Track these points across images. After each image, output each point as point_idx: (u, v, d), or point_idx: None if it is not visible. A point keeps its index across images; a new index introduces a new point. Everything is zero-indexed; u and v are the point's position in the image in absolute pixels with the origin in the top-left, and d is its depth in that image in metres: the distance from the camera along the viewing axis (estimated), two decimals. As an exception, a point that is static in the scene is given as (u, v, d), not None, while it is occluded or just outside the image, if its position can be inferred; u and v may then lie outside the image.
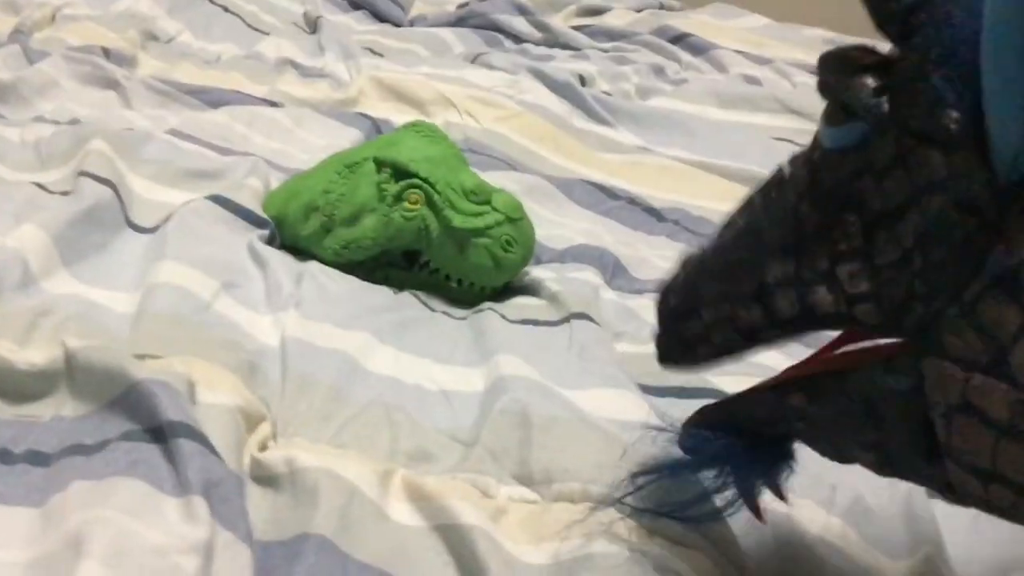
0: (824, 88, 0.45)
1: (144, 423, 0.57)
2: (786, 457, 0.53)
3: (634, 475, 0.55)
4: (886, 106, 0.42)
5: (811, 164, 0.46)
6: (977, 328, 0.41)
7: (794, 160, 0.48)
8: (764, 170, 1.21)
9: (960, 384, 0.41)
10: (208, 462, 0.53)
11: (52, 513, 0.53)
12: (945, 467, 0.43)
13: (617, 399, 0.66)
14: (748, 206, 0.49)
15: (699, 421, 0.54)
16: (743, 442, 0.52)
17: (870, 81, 0.43)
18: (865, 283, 0.44)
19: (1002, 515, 0.44)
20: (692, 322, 0.50)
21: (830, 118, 0.45)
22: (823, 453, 0.50)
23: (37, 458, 0.58)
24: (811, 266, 0.46)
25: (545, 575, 0.52)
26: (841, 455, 0.49)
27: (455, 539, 0.54)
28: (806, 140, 1.37)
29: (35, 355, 0.63)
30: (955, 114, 0.40)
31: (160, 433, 0.56)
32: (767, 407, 0.50)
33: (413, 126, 0.85)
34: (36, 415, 0.61)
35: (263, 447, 0.60)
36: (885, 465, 0.47)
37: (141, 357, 0.63)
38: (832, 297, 0.45)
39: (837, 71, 0.44)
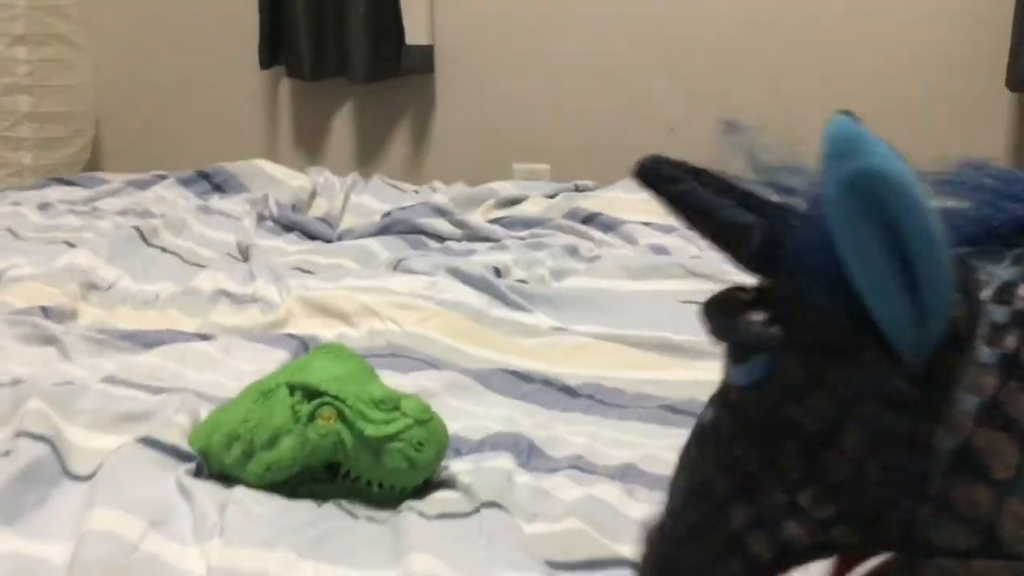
0: (716, 335, 0.47)
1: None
2: None
3: None
4: (779, 333, 0.43)
5: (729, 406, 0.47)
6: (956, 518, 0.40)
7: (710, 405, 0.49)
8: (674, 335, 1.29)
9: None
10: None
11: None
12: None
13: (521, 583, 0.71)
14: (686, 464, 0.50)
15: None
16: None
17: (756, 316, 0.44)
18: (830, 506, 0.43)
19: None
20: None
21: (734, 358, 0.46)
22: None
23: None
24: (770, 503, 0.45)
25: None
26: None
27: None
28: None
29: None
30: (845, 322, 0.42)
31: None
32: None
33: (321, 348, 0.92)
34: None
35: None
36: None
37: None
38: (803, 529, 0.44)
39: (721, 316, 0.46)
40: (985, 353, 0.41)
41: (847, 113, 0.40)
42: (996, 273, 0.43)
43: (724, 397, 0.47)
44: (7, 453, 0.90)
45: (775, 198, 0.45)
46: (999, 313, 0.42)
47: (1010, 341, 0.41)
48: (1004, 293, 0.42)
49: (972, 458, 0.40)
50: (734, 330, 0.45)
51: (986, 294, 0.42)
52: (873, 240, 0.39)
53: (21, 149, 2.64)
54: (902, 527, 0.41)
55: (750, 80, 2.27)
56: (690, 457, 0.49)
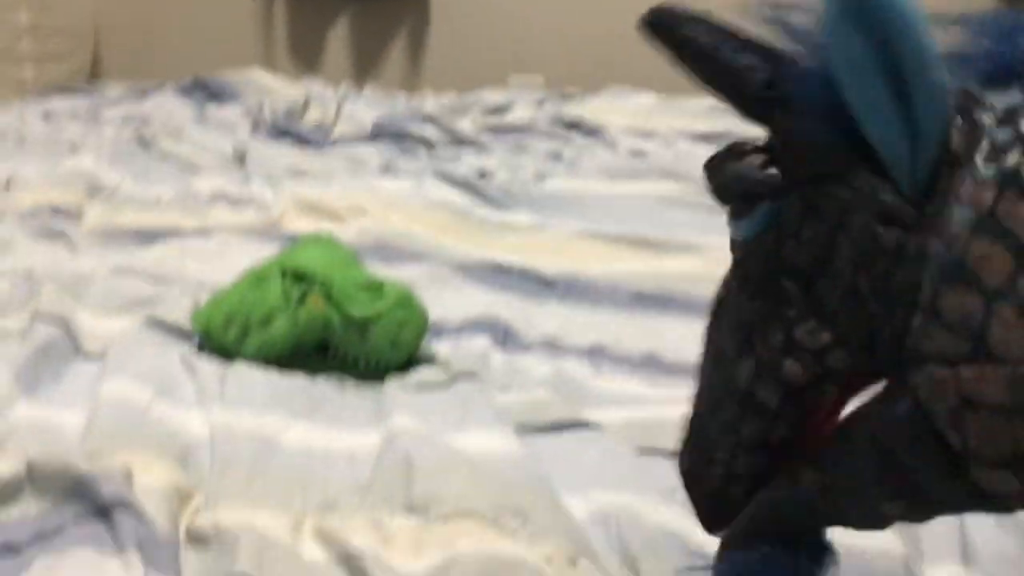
0: (719, 188, 0.48)
1: (90, 506, 0.69)
2: (825, 551, 0.52)
3: None
4: (776, 173, 0.45)
5: (735, 266, 0.49)
6: (947, 326, 0.40)
7: (721, 282, 0.50)
8: (648, 231, 1.36)
9: (952, 383, 0.41)
10: (140, 526, 0.66)
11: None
12: (973, 476, 0.42)
13: (488, 438, 0.79)
14: (706, 343, 0.51)
15: (730, 545, 0.53)
16: (779, 550, 0.51)
17: (755, 159, 0.46)
18: (825, 333, 0.44)
19: None
20: (711, 470, 0.51)
21: (736, 213, 0.48)
22: (857, 526, 0.50)
23: (10, 549, 0.70)
24: (768, 346, 0.46)
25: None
26: (873, 518, 0.48)
27: (352, 565, 0.66)
28: (686, 200, 1.52)
29: (2, 468, 0.76)
30: (841, 151, 0.42)
31: (103, 511, 0.68)
32: (784, 500, 0.50)
33: (311, 237, 1.00)
34: (8, 514, 0.74)
35: (194, 516, 0.73)
36: (916, 507, 0.46)
37: (90, 458, 0.76)
38: (800, 365, 0.46)
39: (722, 169, 0.47)
40: (984, 170, 0.41)
41: None
42: (1003, 100, 0.43)
43: (730, 269, 0.49)
44: (25, 334, 0.98)
45: (781, 42, 0.45)
46: (1002, 134, 0.42)
47: (1011, 159, 0.41)
48: (1008, 116, 0.42)
49: (964, 267, 0.40)
50: (734, 179, 0.46)
51: (990, 118, 0.42)
52: (867, 58, 0.41)
53: (23, 63, 2.68)
54: (893, 340, 0.42)
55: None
56: (707, 334, 0.51)
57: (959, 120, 0.42)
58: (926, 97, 0.41)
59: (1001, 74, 0.44)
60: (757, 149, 0.46)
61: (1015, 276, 0.39)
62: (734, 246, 0.49)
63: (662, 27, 0.47)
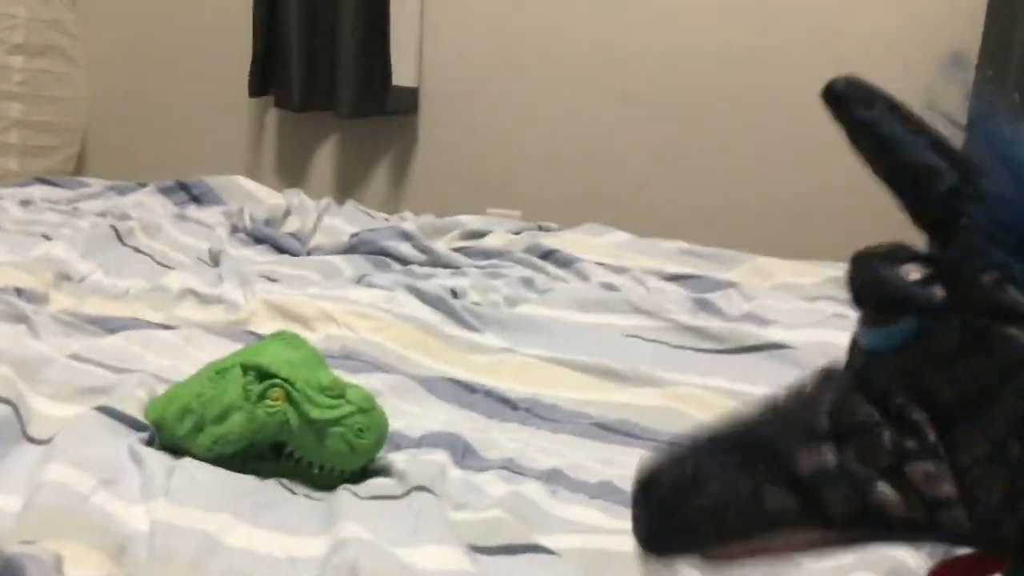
0: (861, 288, 0.43)
1: (14, 592, 0.66)
2: None
3: None
4: (940, 293, 0.40)
5: (854, 370, 0.43)
6: None
7: (823, 373, 0.44)
8: (612, 362, 1.36)
9: None
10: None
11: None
12: None
13: (439, 553, 0.77)
14: (796, 390, 0.44)
15: None
16: None
17: (915, 268, 0.41)
18: (948, 486, 0.39)
19: None
20: (697, 497, 0.43)
21: (874, 320, 0.42)
22: None
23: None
24: (864, 460, 0.40)
25: None
26: None
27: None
28: (653, 335, 1.53)
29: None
30: None
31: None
32: None
33: (276, 335, 0.99)
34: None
35: (124, 612, 0.70)
36: None
37: (21, 542, 0.73)
38: (900, 497, 0.39)
39: (874, 267, 0.42)
40: None
41: None
42: None
43: (849, 364, 0.43)
44: (-29, 412, 0.96)
45: (966, 150, 0.41)
46: None
47: None
48: None
49: None
50: (884, 283, 0.41)
51: None
52: None
53: (8, 154, 2.71)
54: None
55: (725, 143, 2.38)
56: (806, 383, 0.44)
57: None
58: None
59: None
60: (919, 257, 0.41)
61: None
62: (855, 350, 0.43)
63: (845, 101, 0.43)
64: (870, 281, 0.42)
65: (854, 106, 0.43)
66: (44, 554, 0.69)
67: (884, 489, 0.39)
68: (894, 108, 0.43)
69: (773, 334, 1.40)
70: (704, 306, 1.54)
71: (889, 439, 0.40)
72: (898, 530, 0.40)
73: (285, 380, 0.92)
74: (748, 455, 0.42)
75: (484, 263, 1.68)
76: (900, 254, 0.42)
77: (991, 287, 0.38)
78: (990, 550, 0.40)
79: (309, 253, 1.74)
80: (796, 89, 2.29)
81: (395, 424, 1.00)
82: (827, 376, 0.44)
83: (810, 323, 1.46)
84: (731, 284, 1.65)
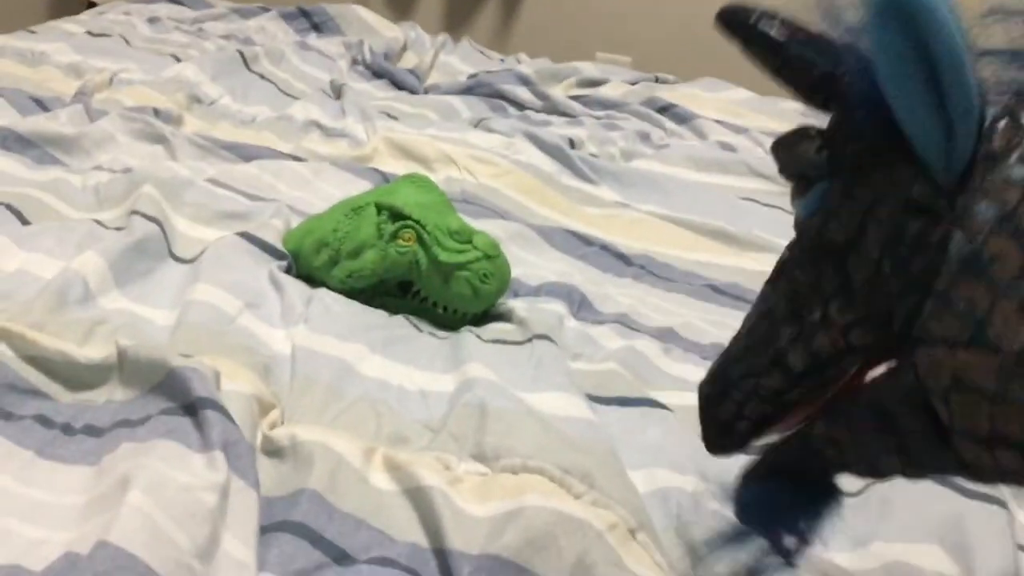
0: (782, 167, 0.54)
1: (179, 401, 0.72)
2: (831, 491, 0.60)
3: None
4: (825, 157, 0.50)
5: (795, 240, 0.54)
6: (954, 312, 0.44)
7: (787, 246, 0.55)
8: (727, 225, 1.37)
9: (949, 364, 0.45)
10: (227, 428, 0.68)
11: (104, 467, 0.68)
12: (956, 447, 0.47)
13: (560, 400, 0.81)
14: (760, 298, 0.57)
15: (748, 480, 0.62)
16: (789, 486, 0.61)
17: (814, 143, 0.51)
18: (851, 311, 0.49)
19: (1018, 482, 0.48)
20: (725, 404, 0.57)
21: (797, 192, 0.53)
22: (859, 473, 0.56)
23: (93, 431, 0.73)
24: (810, 319, 0.51)
25: (485, 524, 0.66)
26: (873, 468, 0.54)
27: (419, 498, 0.68)
28: (769, 200, 1.53)
29: (92, 352, 0.79)
30: (881, 141, 0.46)
31: (191, 408, 0.71)
32: (799, 445, 0.57)
33: (409, 177, 1.01)
34: (93, 400, 0.77)
35: (272, 428, 0.75)
36: (910, 465, 0.51)
37: (179, 353, 0.79)
38: (828, 338, 0.51)
39: (785, 148, 0.53)
40: (1016, 170, 0.44)
41: None
42: None
43: (796, 239, 0.53)
44: (121, 228, 1.01)
45: (838, 38, 0.50)
46: None
47: None
48: None
49: (980, 260, 0.44)
50: (794, 159, 0.52)
51: None
52: (905, 56, 0.44)
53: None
54: (907, 320, 0.47)
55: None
56: (764, 292, 0.56)
57: (1006, 120, 0.45)
58: (959, 95, 0.44)
59: None
60: (818, 134, 0.51)
61: (1022, 274, 0.43)
62: (796, 222, 0.53)
63: (736, 23, 0.53)
64: (786, 159, 0.53)
65: (743, 26, 0.53)
66: (204, 368, 0.75)
67: (820, 336, 0.51)
68: (775, 18, 0.52)
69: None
70: (823, 174, 1.51)
71: (817, 296, 0.51)
72: (831, 363, 0.52)
73: (417, 221, 0.95)
74: (751, 355, 0.55)
75: (600, 113, 1.67)
76: (807, 132, 0.52)
77: (853, 146, 0.48)
78: (887, 347, 0.49)
79: (426, 91, 1.74)
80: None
81: (514, 271, 1.03)
82: (777, 266, 0.55)
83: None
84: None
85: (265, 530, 0.65)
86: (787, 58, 0.51)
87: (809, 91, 0.51)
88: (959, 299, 0.44)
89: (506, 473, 0.71)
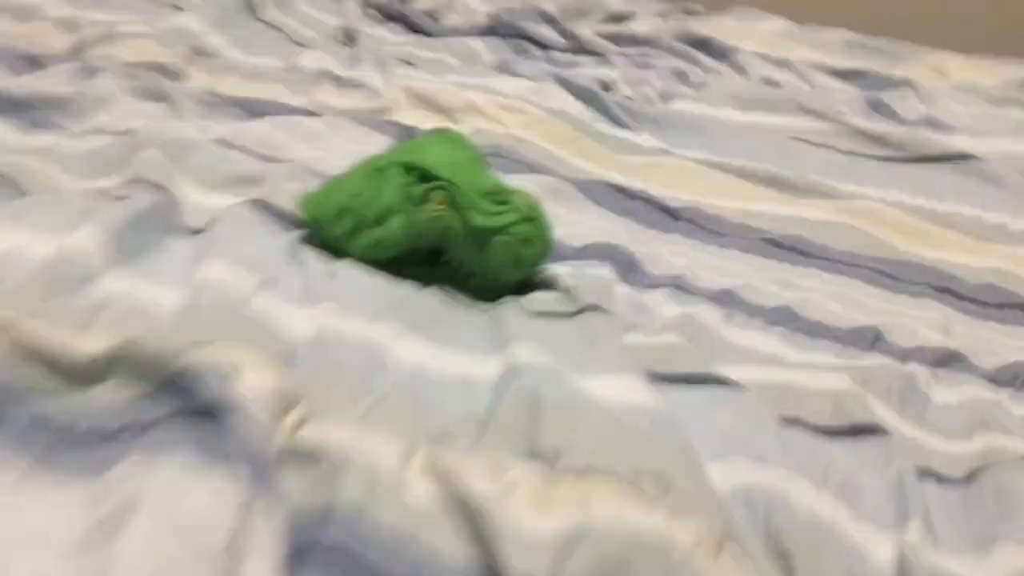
0: None
1: (191, 401, 0.63)
2: None
3: None
4: None
5: None
6: None
7: None
8: (779, 169, 1.26)
9: None
10: (247, 433, 0.60)
11: (106, 484, 0.59)
12: None
13: (623, 384, 0.72)
14: None
15: None
16: None
17: None
18: None
19: None
20: None
21: None
22: None
23: (94, 436, 0.64)
24: None
25: (549, 544, 0.57)
26: None
27: (469, 510, 0.60)
28: (821, 139, 1.42)
29: (93, 344, 0.70)
30: None
31: (205, 409, 0.62)
32: None
33: (437, 133, 0.91)
34: (96, 397, 0.68)
35: (298, 427, 0.67)
36: None
37: (190, 347, 0.70)
38: None
39: None
40: None
41: None
42: None
43: None
44: (124, 197, 0.92)
45: None
46: None
47: None
48: None
49: None
50: None
51: None
52: None
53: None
54: None
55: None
56: None
57: None
58: None
59: None
60: None
61: None
62: None
63: None
64: None
65: None
66: (219, 360, 0.66)
67: None
68: None
69: (957, 142, 1.27)
70: (877, 107, 1.40)
71: None
72: None
73: (449, 182, 0.85)
74: None
75: (632, 51, 1.55)
76: None
77: None
78: None
79: (443, 33, 1.63)
80: None
81: (554, 232, 0.93)
82: None
83: (997, 131, 1.32)
84: (906, 82, 1.49)
85: (292, 555, 0.56)
86: None
87: None
88: None
89: (569, 476, 0.63)
